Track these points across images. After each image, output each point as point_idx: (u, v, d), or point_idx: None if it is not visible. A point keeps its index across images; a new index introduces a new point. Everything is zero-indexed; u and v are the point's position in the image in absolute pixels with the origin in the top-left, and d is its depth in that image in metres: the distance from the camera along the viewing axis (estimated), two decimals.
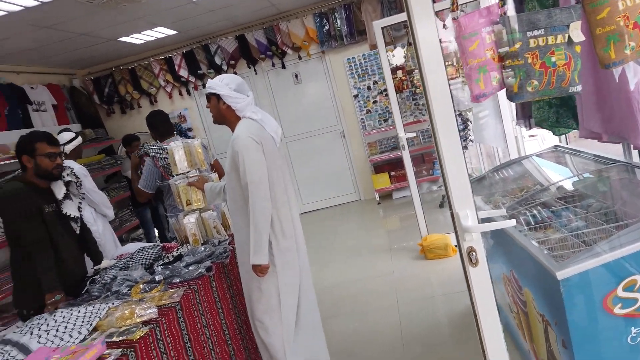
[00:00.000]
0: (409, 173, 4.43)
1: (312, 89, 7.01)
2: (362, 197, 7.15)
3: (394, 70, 5.93)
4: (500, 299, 2.55)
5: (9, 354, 1.92)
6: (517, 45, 1.94)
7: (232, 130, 2.47)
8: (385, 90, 6.54)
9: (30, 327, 2.15)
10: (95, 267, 2.83)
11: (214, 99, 2.49)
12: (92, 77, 6.92)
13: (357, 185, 7.16)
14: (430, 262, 4.21)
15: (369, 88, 6.75)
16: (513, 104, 3.55)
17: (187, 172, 3.05)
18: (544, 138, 4.90)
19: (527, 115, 3.01)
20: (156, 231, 6.06)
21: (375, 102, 6.76)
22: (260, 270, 2.29)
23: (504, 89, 2.03)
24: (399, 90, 6.03)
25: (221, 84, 2.45)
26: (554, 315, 1.75)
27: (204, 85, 6.94)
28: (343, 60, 6.74)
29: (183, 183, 2.99)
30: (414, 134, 5.62)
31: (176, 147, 2.96)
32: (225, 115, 2.50)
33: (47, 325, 2.13)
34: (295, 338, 2.45)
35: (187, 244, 2.96)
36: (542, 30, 1.93)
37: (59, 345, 1.93)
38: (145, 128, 6.83)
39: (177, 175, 3.02)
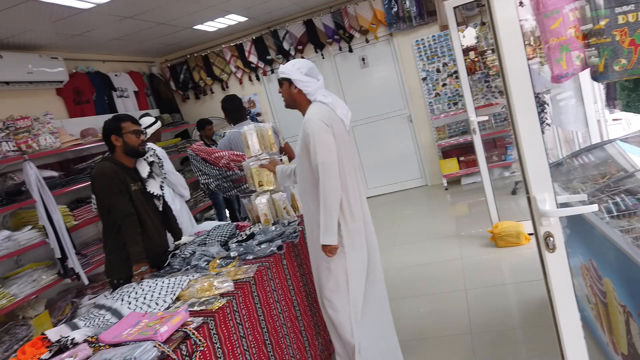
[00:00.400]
0: (480, 158, 4.30)
1: (379, 72, 6.94)
2: (429, 182, 7.04)
3: (465, 51, 5.74)
4: (578, 290, 2.45)
5: (103, 317, 2.13)
6: (604, 23, 1.83)
7: (303, 114, 2.53)
8: (455, 72, 6.35)
9: (120, 294, 2.37)
10: (176, 243, 3.03)
11: (285, 83, 2.55)
12: (169, 64, 7.28)
13: (423, 171, 7.05)
14: (501, 249, 4.09)
15: (438, 70, 6.58)
16: (596, 86, 3.33)
17: (259, 155, 3.17)
18: (630, 122, 4.56)
19: (612, 97, 2.83)
20: (227, 212, 6.35)
21: (444, 84, 6.59)
22: (329, 250, 2.35)
23: (587, 69, 1.93)
24: (470, 72, 5.83)
25: (293, 68, 2.51)
26: (637, 305, 1.67)
27: (272, 71, 7.10)
28: (411, 43, 6.60)
29: (255, 165, 3.11)
30: (486, 118, 5.43)
31: (249, 131, 3.08)
32: (296, 99, 2.56)
33: (136, 293, 2.33)
34: (363, 318, 2.51)
35: (259, 224, 3.09)
36: (633, 5, 1.80)
37: (146, 311, 2.11)
38: (218, 112, 7.13)
39: (249, 158, 3.14)
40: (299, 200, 3.33)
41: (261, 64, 7.02)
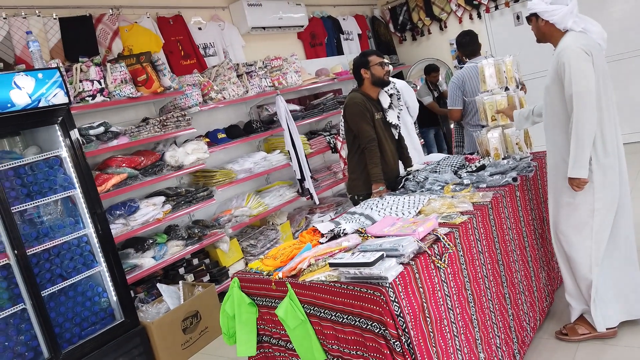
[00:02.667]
0: None
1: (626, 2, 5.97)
2: None
3: None
4: None
5: (359, 219, 2.55)
6: None
7: (555, 46, 2.45)
8: None
9: (368, 205, 2.77)
10: (408, 169, 3.33)
11: (533, 19, 2.49)
12: (389, 6, 7.51)
13: None
14: None
15: None
16: None
17: (494, 90, 3.18)
18: None
19: None
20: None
21: None
22: (576, 184, 2.32)
23: None
24: None
25: (537, 0, 2.42)
26: None
27: (496, 7, 6.73)
28: None
29: (490, 100, 3.15)
30: None
31: (487, 64, 3.11)
32: (544, 32, 2.48)
33: (381, 205, 2.69)
34: (604, 261, 2.44)
35: (488, 157, 3.16)
36: None
37: (399, 217, 2.44)
38: (433, 54, 7.17)
39: (484, 92, 3.19)
40: (531, 137, 3.28)
41: (485, 0, 6.71)
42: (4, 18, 3.50)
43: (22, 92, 2.82)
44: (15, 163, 2.95)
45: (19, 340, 2.85)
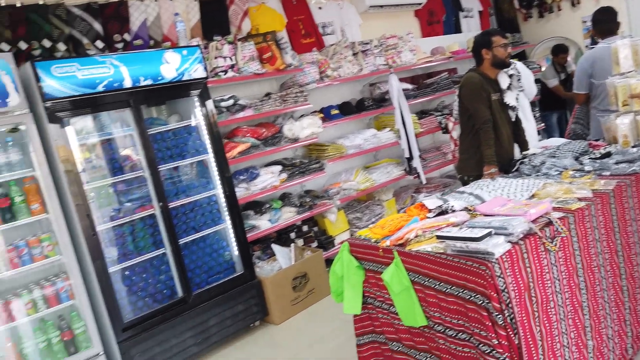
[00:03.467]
0: None
1: None
2: None
3: None
4: None
5: (468, 198, 2.58)
6: None
7: None
8: None
9: (478, 185, 2.78)
10: (524, 153, 3.25)
11: None
12: None
13: None
14: None
15: None
16: None
17: (627, 73, 2.96)
18: None
19: None
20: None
21: None
22: None
23: None
24: None
25: None
26: None
27: None
28: None
29: (622, 83, 2.94)
30: None
31: (622, 45, 2.90)
32: None
33: (493, 186, 2.69)
34: None
35: (616, 144, 2.97)
36: None
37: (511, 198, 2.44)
38: (561, 32, 6.66)
39: (617, 74, 2.98)
40: None
41: None
42: (156, 0, 3.99)
43: (170, 66, 3.25)
44: (161, 128, 3.42)
45: (160, 279, 3.36)
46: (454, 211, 2.31)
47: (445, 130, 5.44)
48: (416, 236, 2.11)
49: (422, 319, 2.07)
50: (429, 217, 2.35)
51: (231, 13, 4.47)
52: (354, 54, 4.78)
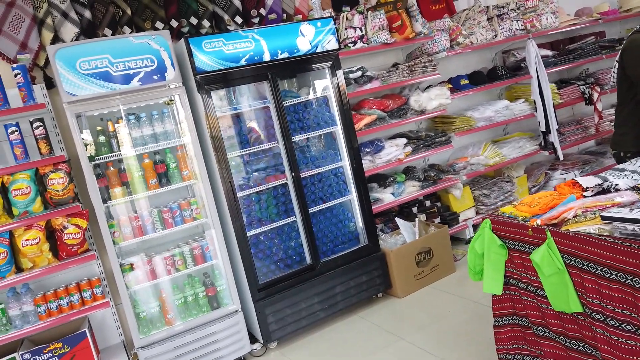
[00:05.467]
0: None
1: None
2: None
3: None
4: None
5: (631, 176, 2.29)
6: None
7: None
8: None
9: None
10: None
11: None
12: None
13: None
14: None
15: None
16: None
17: None
18: None
19: None
20: None
21: None
22: None
23: None
24: None
25: None
26: None
27: None
28: None
29: None
30: None
31: None
32: None
33: None
34: None
35: None
36: None
37: None
38: None
39: None
40: None
41: None
42: None
43: (305, 39, 3.30)
44: (294, 101, 3.52)
45: (290, 245, 3.53)
46: (617, 190, 2.07)
47: (589, 101, 4.90)
48: (575, 216, 1.93)
49: (576, 306, 1.90)
50: (586, 197, 2.13)
51: None
52: (489, 19, 4.46)
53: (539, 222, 2.03)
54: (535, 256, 1.98)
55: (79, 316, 3.00)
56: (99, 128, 3.00)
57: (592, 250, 1.81)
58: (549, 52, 4.87)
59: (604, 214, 1.82)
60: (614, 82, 3.04)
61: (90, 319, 3.28)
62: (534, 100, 4.64)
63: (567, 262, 1.92)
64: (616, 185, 2.09)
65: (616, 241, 1.73)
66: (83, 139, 2.89)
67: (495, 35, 4.48)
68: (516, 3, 4.65)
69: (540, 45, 4.84)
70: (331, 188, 3.68)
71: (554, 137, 4.69)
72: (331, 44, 3.40)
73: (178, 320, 3.18)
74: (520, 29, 4.60)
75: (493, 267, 2.26)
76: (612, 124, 3.28)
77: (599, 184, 2.15)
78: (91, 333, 3.14)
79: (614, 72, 3.00)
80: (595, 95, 4.87)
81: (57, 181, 2.91)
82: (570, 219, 1.94)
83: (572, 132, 5.02)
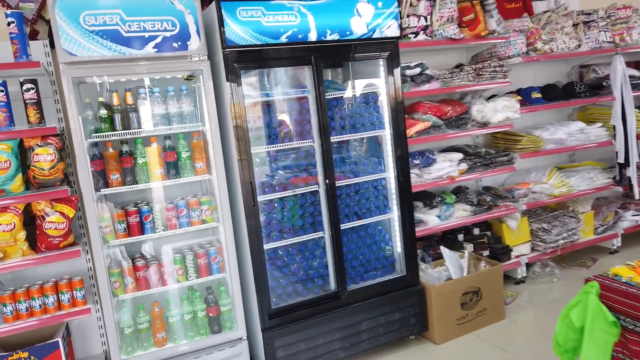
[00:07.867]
0: None
1: None
2: None
3: None
4: None
5: None
6: None
7: None
8: None
9: None
10: None
11: None
12: None
13: None
14: None
15: None
16: None
17: None
18: None
19: None
20: None
21: None
22: None
23: None
24: None
25: None
26: None
27: None
28: None
29: None
30: None
31: None
32: None
33: None
34: None
35: None
36: None
37: None
38: None
39: None
40: None
41: None
42: None
43: (361, 20, 2.71)
44: (338, 94, 2.93)
45: (312, 265, 2.94)
46: None
47: None
48: None
49: None
50: None
51: None
52: (574, 25, 3.79)
53: None
54: None
55: (52, 324, 2.49)
56: (101, 99, 2.46)
57: None
58: (637, 72, 4.17)
59: None
60: None
61: (70, 323, 2.78)
62: (614, 126, 3.96)
63: None
64: None
65: None
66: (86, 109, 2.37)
67: (579, 45, 3.81)
68: (606, 11, 3.96)
69: (628, 64, 4.15)
70: (369, 203, 3.09)
71: (632, 172, 3.99)
72: (392, 30, 2.80)
73: (170, 342, 2.63)
74: (608, 41, 3.92)
75: (597, 349, 1.63)
76: None
77: None
78: (67, 342, 2.63)
79: None
80: None
81: (44, 157, 2.40)
82: None
83: None
